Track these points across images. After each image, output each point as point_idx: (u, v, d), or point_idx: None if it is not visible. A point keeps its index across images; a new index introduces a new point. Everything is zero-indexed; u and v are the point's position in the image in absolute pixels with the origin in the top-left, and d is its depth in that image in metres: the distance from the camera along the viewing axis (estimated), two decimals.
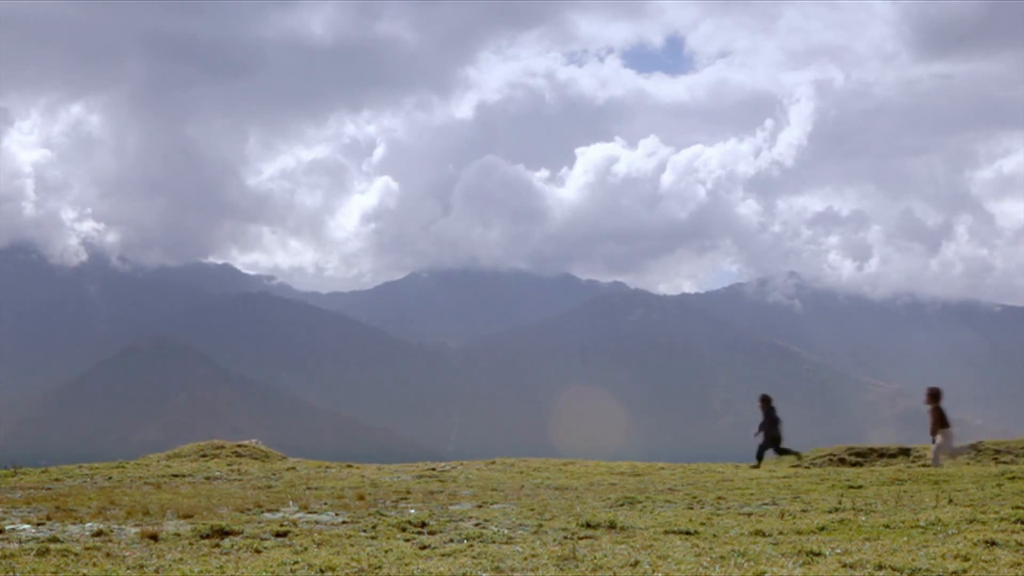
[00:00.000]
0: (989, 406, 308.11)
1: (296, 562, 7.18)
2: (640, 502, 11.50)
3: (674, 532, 8.68)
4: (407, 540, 8.44)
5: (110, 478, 15.31)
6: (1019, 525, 8.41)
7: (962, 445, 18.22)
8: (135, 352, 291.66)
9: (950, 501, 10.60)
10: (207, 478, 15.44)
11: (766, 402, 20.15)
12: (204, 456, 18.80)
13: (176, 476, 15.59)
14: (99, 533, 8.76)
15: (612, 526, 9.12)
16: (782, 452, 19.43)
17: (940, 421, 17.53)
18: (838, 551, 7.31)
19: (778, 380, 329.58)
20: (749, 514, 10.10)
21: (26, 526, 9.29)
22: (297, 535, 8.71)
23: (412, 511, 10.67)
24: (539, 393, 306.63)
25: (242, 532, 8.76)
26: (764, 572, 6.66)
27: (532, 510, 10.73)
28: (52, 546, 7.87)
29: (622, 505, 11.30)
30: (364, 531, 9.08)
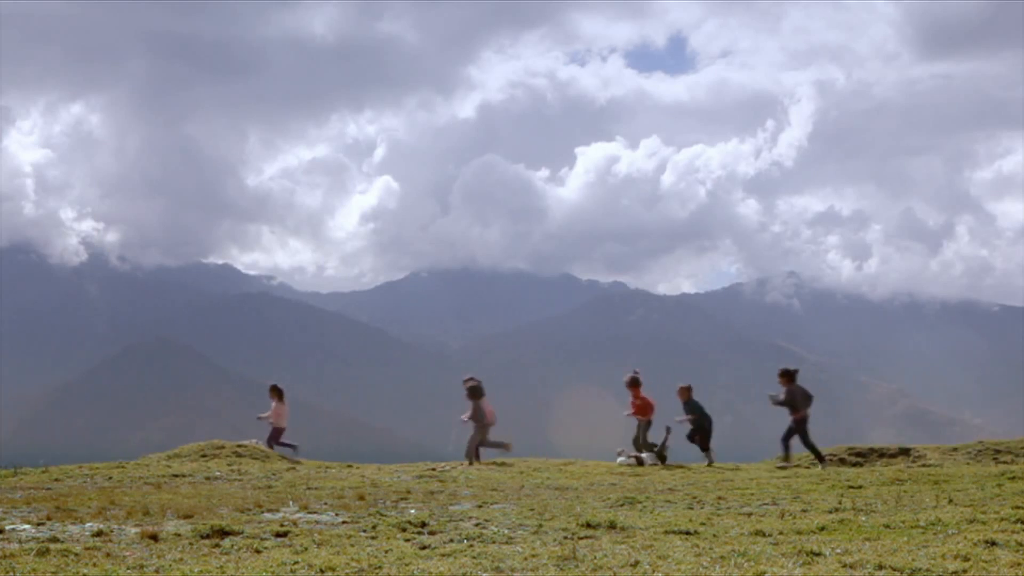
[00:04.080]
0: (989, 406, 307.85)
1: (296, 562, 7.17)
2: (640, 502, 11.50)
3: (674, 532, 8.67)
4: (407, 540, 8.43)
5: (110, 478, 15.30)
6: (1019, 525, 8.41)
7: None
8: (135, 352, 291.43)
9: (950, 501, 10.60)
10: (207, 478, 15.42)
11: None
12: (204, 456, 18.77)
13: (176, 476, 15.58)
14: (99, 533, 8.75)
15: (612, 526, 9.11)
16: None
17: None
18: (838, 551, 7.31)
19: (778, 380, 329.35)
20: (749, 514, 10.09)
21: (26, 526, 9.28)
22: (297, 535, 8.70)
23: (412, 511, 10.66)
24: (539, 393, 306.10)
25: (242, 532, 8.75)
26: (764, 572, 6.65)
27: (532, 510, 10.72)
28: (52, 546, 7.86)
29: (622, 505, 11.29)
30: (364, 531, 9.07)
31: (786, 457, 18.26)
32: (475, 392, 19.41)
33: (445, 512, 10.66)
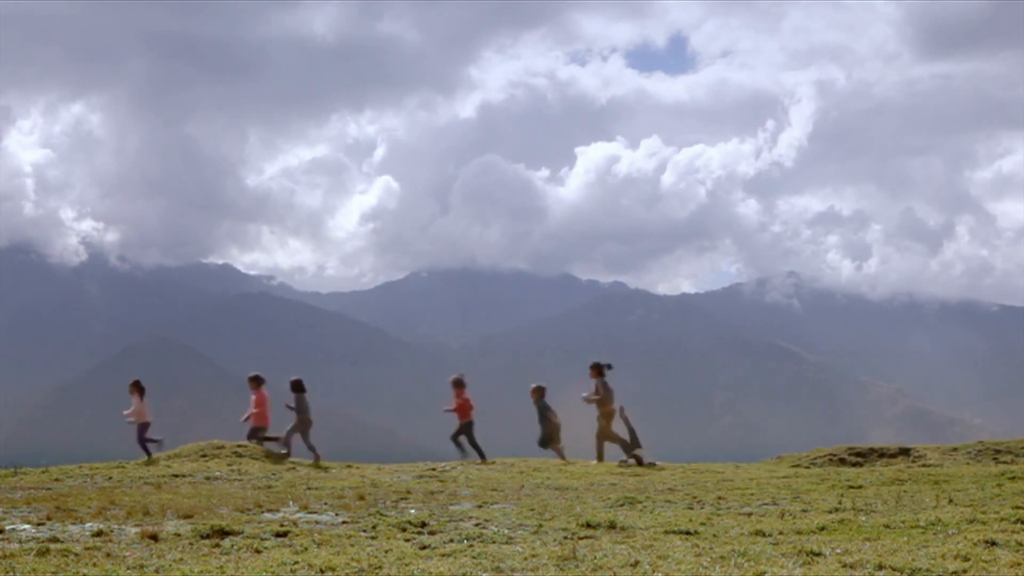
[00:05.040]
0: (989, 406, 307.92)
1: (296, 562, 7.18)
2: (640, 502, 11.50)
3: (674, 532, 8.67)
4: (407, 540, 8.44)
5: (110, 478, 15.31)
6: (1019, 525, 8.41)
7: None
8: (135, 352, 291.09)
9: (950, 501, 10.60)
10: (207, 478, 15.44)
11: None
12: (204, 456, 18.78)
13: (176, 476, 15.59)
14: (99, 533, 8.76)
15: (612, 526, 9.11)
16: None
17: None
18: (838, 551, 7.31)
19: (778, 380, 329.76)
20: (749, 514, 10.09)
21: (26, 526, 9.29)
22: (297, 535, 8.70)
23: (412, 511, 10.67)
24: None
25: (242, 532, 8.76)
26: (764, 572, 6.66)
27: (532, 510, 10.72)
28: (52, 546, 7.87)
29: (622, 505, 11.29)
30: (364, 531, 9.07)
31: (600, 455, 18.90)
32: (297, 386, 19.88)
33: (445, 512, 10.66)
